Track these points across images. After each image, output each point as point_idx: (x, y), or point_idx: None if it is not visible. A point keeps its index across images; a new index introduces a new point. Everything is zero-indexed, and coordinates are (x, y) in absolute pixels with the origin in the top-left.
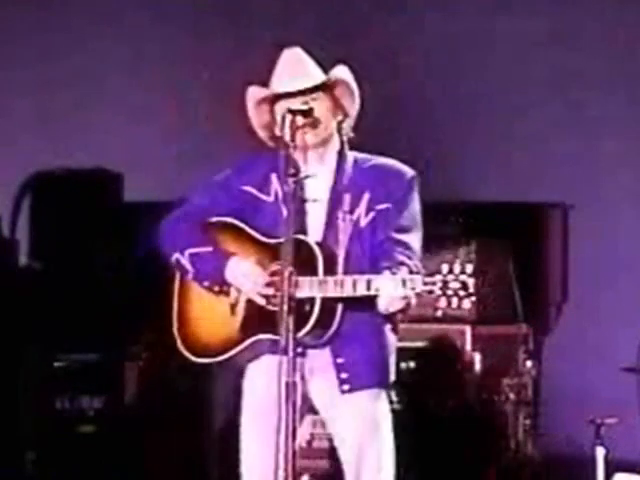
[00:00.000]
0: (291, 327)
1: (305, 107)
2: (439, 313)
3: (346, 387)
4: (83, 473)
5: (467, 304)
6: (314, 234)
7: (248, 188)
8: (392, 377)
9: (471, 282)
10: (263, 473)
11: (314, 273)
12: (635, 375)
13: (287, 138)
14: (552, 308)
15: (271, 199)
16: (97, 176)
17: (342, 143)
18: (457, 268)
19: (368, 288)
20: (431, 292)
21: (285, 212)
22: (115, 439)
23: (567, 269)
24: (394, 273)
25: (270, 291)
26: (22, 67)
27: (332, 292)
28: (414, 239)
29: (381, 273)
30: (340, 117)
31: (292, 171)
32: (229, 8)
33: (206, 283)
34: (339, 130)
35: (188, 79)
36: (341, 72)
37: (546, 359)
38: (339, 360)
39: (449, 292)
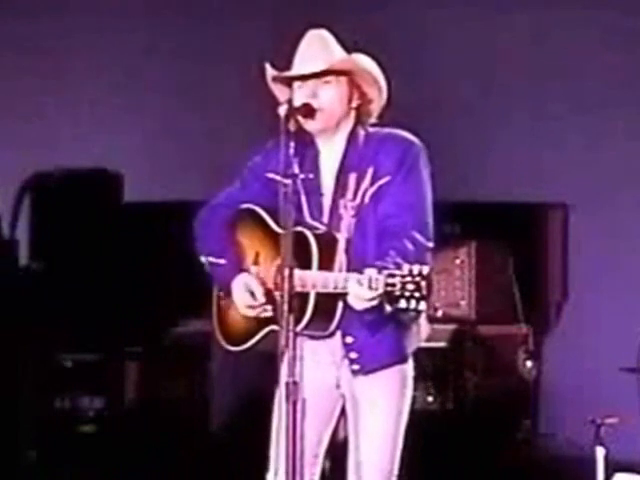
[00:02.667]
0: (291, 326)
1: (305, 100)
2: (439, 313)
3: (356, 367)
4: (83, 473)
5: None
6: (324, 220)
7: (272, 175)
8: (408, 360)
9: (424, 284)
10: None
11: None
12: (635, 375)
13: (284, 141)
14: (552, 308)
15: (290, 184)
16: (97, 176)
17: (355, 125)
18: (415, 269)
19: (335, 287)
20: (391, 292)
21: (304, 199)
22: (115, 439)
23: (567, 269)
24: (382, 267)
25: (250, 313)
26: (22, 67)
27: (309, 287)
28: (414, 216)
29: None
30: (358, 102)
31: (290, 171)
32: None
33: (220, 293)
34: (358, 115)
35: (189, 79)
36: (350, 59)
37: (546, 359)
38: (348, 339)
39: (406, 293)
